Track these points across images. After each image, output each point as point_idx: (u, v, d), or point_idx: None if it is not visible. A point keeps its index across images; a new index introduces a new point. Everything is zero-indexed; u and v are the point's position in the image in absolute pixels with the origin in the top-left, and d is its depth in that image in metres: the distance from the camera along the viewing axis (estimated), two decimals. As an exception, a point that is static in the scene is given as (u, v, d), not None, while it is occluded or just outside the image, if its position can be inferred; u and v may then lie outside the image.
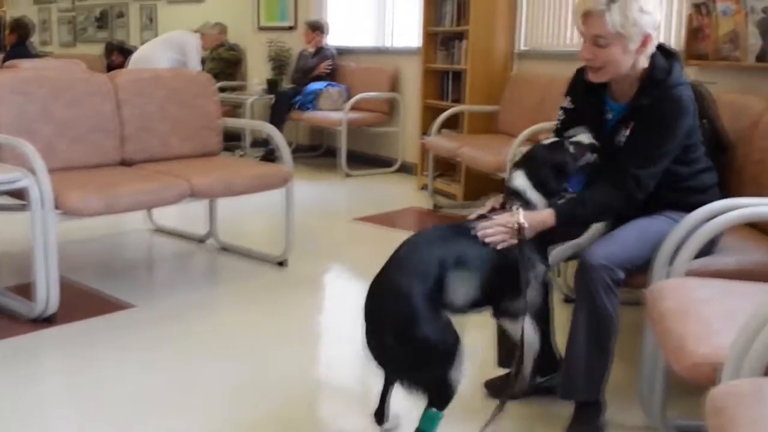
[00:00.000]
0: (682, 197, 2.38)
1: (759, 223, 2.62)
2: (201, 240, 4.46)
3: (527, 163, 2.34)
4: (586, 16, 2.26)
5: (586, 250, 2.23)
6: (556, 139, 2.41)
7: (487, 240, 2.16)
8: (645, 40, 2.25)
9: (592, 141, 2.37)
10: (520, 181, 2.30)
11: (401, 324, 2.03)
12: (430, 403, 2.06)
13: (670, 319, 1.83)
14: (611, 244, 2.24)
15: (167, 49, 7.43)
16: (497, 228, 2.17)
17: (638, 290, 2.31)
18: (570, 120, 2.50)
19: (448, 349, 2.05)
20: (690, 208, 2.26)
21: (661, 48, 2.35)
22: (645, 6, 2.22)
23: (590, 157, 2.36)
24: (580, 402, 2.32)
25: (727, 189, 2.54)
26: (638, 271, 2.25)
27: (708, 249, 2.35)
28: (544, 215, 2.24)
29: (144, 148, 3.92)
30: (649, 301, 2.02)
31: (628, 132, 2.34)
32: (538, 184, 2.29)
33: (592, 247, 2.23)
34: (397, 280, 2.07)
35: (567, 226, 2.30)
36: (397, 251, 2.16)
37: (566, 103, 2.54)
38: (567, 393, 2.33)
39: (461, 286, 2.10)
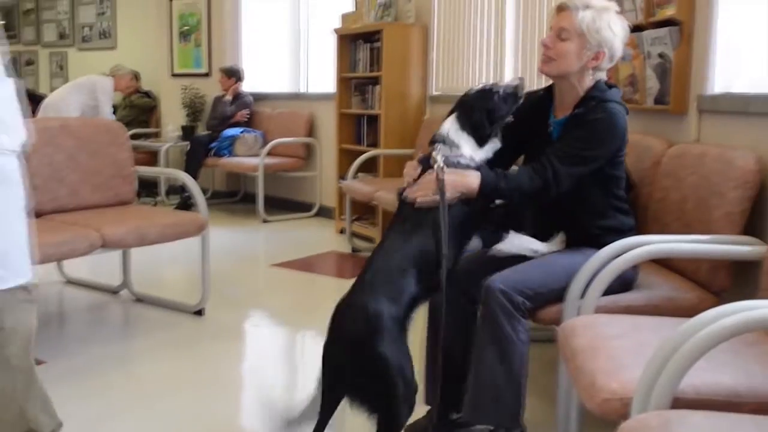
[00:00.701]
0: (602, 235, 2.45)
1: (664, 260, 2.72)
2: (114, 291, 4.36)
3: (458, 107, 2.45)
4: (561, 9, 2.44)
5: (489, 278, 2.30)
6: (485, 86, 2.48)
7: (417, 204, 2.30)
8: (598, 54, 2.41)
9: (519, 83, 2.47)
10: (446, 125, 2.41)
11: (366, 339, 2.09)
12: (378, 430, 2.10)
13: (581, 356, 1.88)
14: (512, 272, 2.33)
15: (78, 94, 7.31)
16: (422, 187, 2.31)
17: (552, 327, 2.36)
18: (509, 132, 2.53)
19: (405, 376, 2.11)
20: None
21: (606, 82, 2.52)
22: (612, 25, 2.41)
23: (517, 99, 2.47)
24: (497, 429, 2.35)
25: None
26: (545, 301, 2.33)
27: (625, 286, 2.44)
28: (469, 175, 2.33)
29: (53, 199, 3.82)
30: (561, 339, 2.07)
31: None
32: (469, 127, 2.39)
33: (495, 275, 2.31)
34: (366, 299, 2.14)
35: (489, 195, 2.36)
36: (364, 271, 2.23)
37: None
38: (473, 416, 2.34)
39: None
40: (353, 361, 2.11)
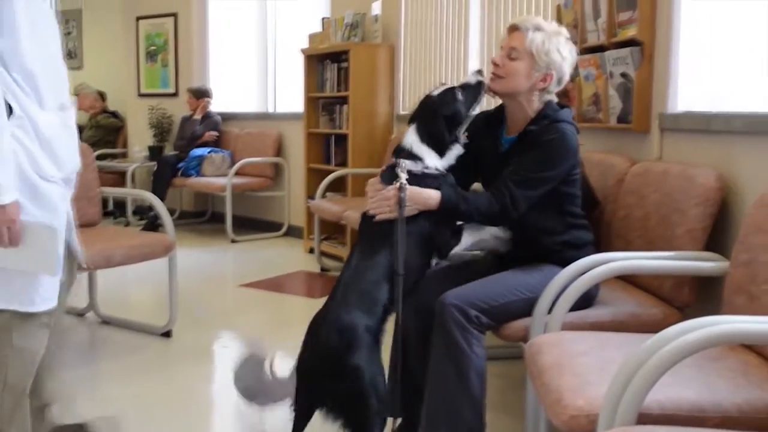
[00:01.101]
0: (559, 251, 2.49)
1: (629, 276, 2.75)
2: (80, 314, 4.30)
3: (418, 117, 2.50)
4: (513, 29, 2.49)
5: (443, 294, 2.33)
6: (445, 87, 2.53)
7: (377, 217, 2.36)
8: (546, 76, 2.46)
9: (479, 78, 2.53)
10: (408, 138, 2.46)
11: (341, 352, 2.11)
12: None
13: (547, 373, 1.89)
14: (467, 287, 2.37)
15: None
16: (380, 201, 2.37)
17: (520, 344, 2.38)
18: (467, 152, 2.59)
19: (378, 389, 2.14)
20: (565, 263, 2.37)
21: (558, 103, 2.56)
22: (561, 49, 2.45)
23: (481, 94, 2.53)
24: None
25: (597, 245, 2.66)
26: (505, 316, 2.35)
27: (587, 302, 2.47)
28: (429, 193, 2.37)
29: (18, 221, 3.76)
30: (528, 357, 2.08)
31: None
32: (429, 138, 2.44)
33: (448, 291, 2.34)
34: (339, 311, 2.17)
35: (448, 213, 2.41)
36: (336, 286, 2.28)
37: (464, 138, 2.66)
38: (429, 427, 2.34)
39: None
40: (327, 372, 2.13)
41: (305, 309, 4.60)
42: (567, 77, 2.53)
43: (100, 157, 7.26)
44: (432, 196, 2.38)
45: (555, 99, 2.55)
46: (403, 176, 2.36)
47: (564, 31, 2.51)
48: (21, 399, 2.04)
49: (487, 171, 2.59)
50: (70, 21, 9.61)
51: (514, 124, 2.55)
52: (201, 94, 7.34)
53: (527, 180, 2.40)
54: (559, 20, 3.67)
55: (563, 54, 2.46)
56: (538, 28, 2.45)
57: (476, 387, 2.29)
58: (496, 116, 2.63)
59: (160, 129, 7.92)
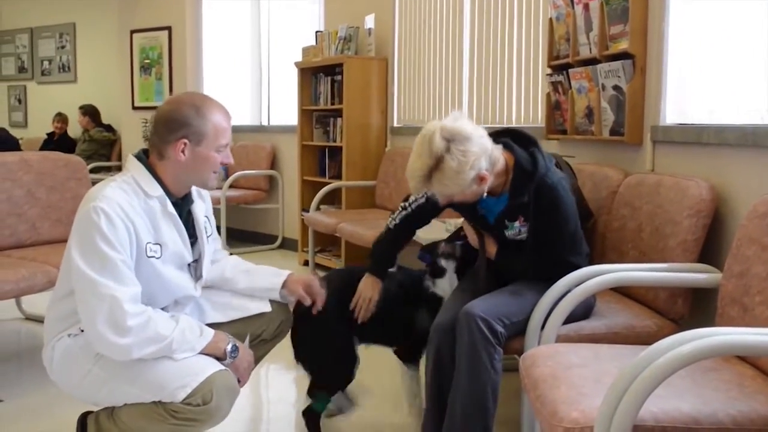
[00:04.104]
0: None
1: (623, 288, 2.76)
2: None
3: None
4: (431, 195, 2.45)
5: (468, 304, 2.32)
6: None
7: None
8: (479, 177, 2.28)
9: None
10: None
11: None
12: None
13: (542, 385, 1.89)
14: (490, 300, 2.36)
15: None
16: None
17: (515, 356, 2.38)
18: (431, 207, 2.61)
19: None
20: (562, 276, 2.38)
21: (517, 136, 2.45)
22: (460, 167, 2.22)
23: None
24: None
25: (591, 256, 2.66)
26: (517, 331, 2.35)
27: (584, 314, 2.47)
28: (491, 248, 2.56)
29: (11, 234, 3.76)
30: (523, 369, 2.08)
31: (517, 224, 2.45)
32: None
33: (473, 302, 2.33)
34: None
35: (498, 262, 2.54)
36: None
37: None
38: None
39: None
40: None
41: (300, 322, 4.57)
42: (486, 146, 2.28)
43: (94, 171, 7.25)
44: (491, 251, 2.53)
45: (495, 147, 2.34)
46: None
47: (437, 147, 2.22)
48: None
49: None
50: (63, 35, 9.64)
51: (493, 186, 2.41)
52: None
53: (570, 241, 2.45)
54: (552, 33, 3.69)
55: (464, 168, 2.22)
56: (427, 178, 2.25)
57: (490, 402, 2.29)
58: None
59: (154, 142, 7.89)
